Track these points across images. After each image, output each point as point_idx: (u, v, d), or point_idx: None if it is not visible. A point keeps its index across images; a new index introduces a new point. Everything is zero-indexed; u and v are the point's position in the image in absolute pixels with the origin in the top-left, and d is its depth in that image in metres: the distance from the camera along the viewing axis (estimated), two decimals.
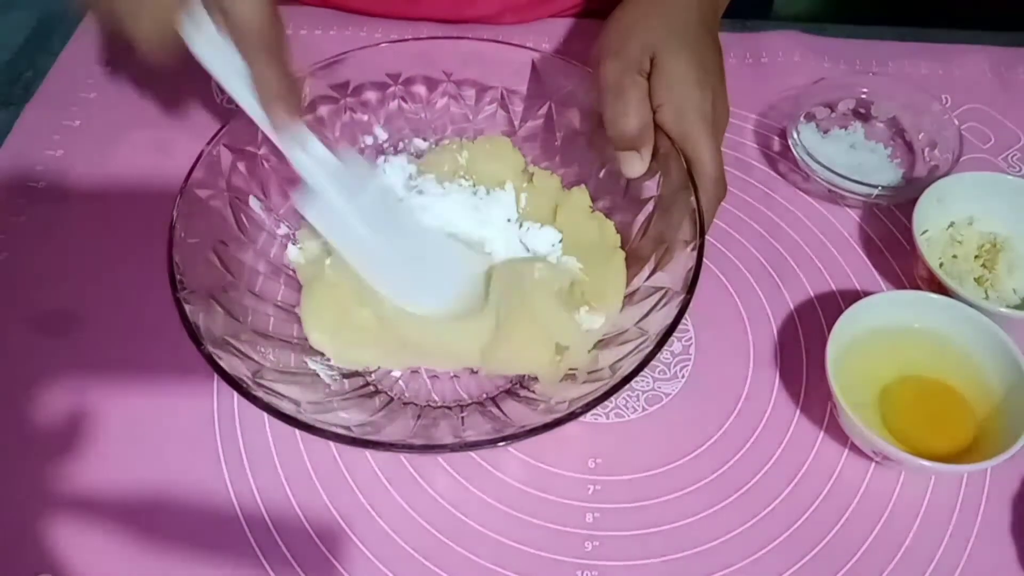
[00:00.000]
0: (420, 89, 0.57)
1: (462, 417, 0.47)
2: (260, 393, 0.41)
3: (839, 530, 0.45)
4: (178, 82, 0.65)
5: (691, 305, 0.43)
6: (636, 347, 0.44)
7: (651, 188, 0.51)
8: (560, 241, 0.51)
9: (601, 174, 0.55)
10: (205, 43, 0.43)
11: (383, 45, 0.55)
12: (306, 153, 0.45)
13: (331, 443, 0.47)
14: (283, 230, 0.54)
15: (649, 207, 0.51)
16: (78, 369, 0.50)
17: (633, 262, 0.50)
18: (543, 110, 0.57)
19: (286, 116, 0.43)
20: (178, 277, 0.43)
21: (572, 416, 0.40)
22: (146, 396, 0.49)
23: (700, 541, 0.45)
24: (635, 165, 0.49)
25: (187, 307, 0.42)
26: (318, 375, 0.48)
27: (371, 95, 0.57)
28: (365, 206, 0.46)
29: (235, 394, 0.40)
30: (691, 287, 0.43)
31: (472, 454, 0.48)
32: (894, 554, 0.45)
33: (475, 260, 0.51)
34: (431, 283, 0.50)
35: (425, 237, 0.50)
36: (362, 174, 0.48)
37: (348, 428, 0.42)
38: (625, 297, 0.50)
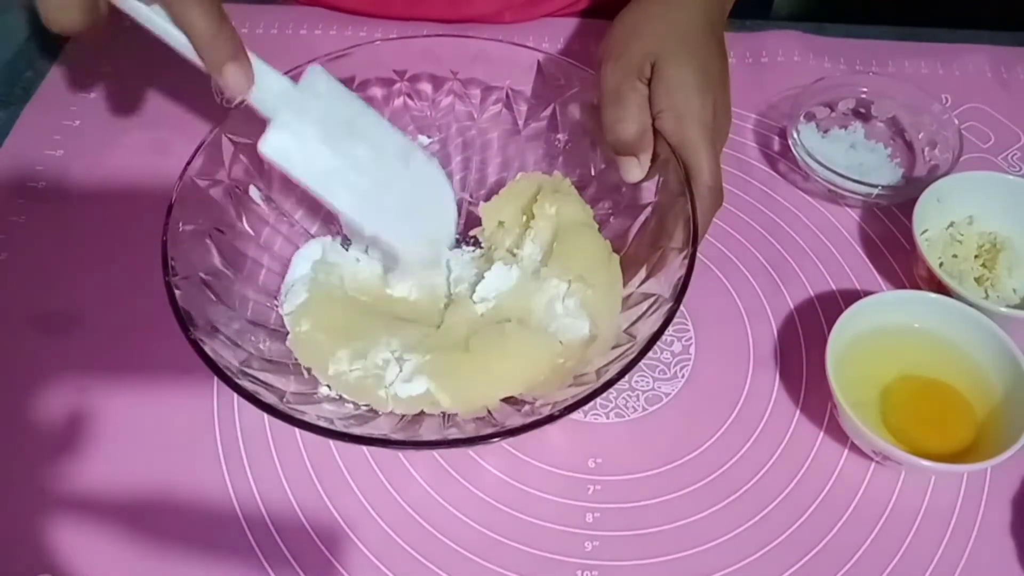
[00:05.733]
0: (426, 87, 0.57)
1: (447, 415, 0.47)
2: (245, 382, 0.41)
3: (839, 530, 0.45)
4: (178, 83, 0.65)
5: (692, 305, 0.43)
6: (623, 352, 0.44)
7: (650, 193, 0.51)
8: (568, 287, 0.49)
9: (603, 177, 0.55)
10: None
11: (390, 41, 0.55)
12: (256, 86, 0.44)
13: (331, 442, 0.47)
14: (285, 224, 0.54)
15: (647, 212, 0.51)
16: (78, 369, 0.50)
17: (629, 267, 0.50)
18: (547, 111, 0.57)
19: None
20: (171, 263, 0.43)
21: (553, 418, 0.40)
22: (146, 396, 0.49)
23: (700, 541, 0.45)
24: (633, 171, 0.49)
25: (177, 292, 0.42)
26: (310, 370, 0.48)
27: (377, 91, 0.56)
28: (328, 129, 0.45)
29: (235, 394, 0.40)
30: (679, 296, 0.43)
31: (472, 454, 0.48)
32: (894, 554, 0.45)
33: (446, 188, 0.50)
34: (406, 211, 0.49)
35: (397, 156, 0.49)
36: (321, 92, 0.46)
37: (331, 421, 0.42)
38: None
